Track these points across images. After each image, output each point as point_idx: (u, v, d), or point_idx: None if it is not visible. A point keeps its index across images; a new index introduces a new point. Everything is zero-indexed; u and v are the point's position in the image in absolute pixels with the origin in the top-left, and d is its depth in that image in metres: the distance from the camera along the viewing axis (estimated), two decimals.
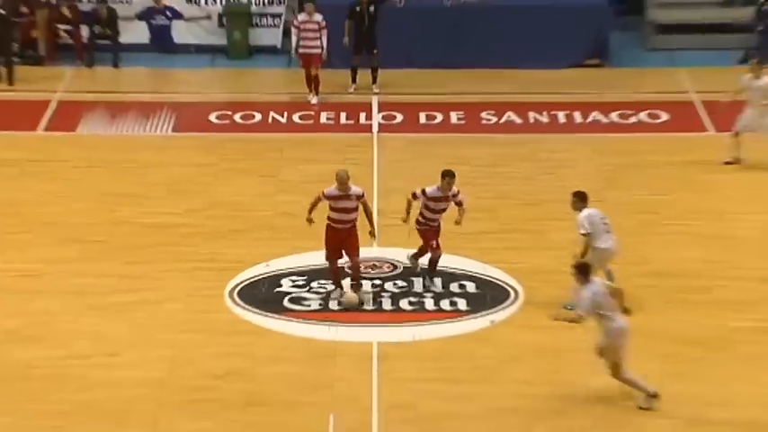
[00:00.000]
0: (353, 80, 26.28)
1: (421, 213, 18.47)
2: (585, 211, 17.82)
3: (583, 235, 17.67)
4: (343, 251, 18.24)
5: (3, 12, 26.81)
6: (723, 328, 17.71)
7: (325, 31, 25.49)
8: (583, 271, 15.70)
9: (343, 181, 18.10)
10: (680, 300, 18.45)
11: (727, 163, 22.77)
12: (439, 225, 18.54)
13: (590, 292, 15.49)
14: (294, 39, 26.17)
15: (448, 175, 18.31)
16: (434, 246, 18.44)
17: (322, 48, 25.51)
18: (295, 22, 26.26)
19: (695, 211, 21.38)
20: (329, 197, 18.12)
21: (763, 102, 22.48)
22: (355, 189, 18.21)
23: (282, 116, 25.41)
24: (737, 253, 19.85)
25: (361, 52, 26.25)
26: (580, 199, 17.99)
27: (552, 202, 21.18)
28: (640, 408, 15.55)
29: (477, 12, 28.03)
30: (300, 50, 25.70)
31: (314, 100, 25.59)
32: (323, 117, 25.45)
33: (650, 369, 16.66)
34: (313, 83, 25.65)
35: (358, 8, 26.18)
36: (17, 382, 16.25)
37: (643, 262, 19.17)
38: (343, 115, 25.52)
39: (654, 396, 15.62)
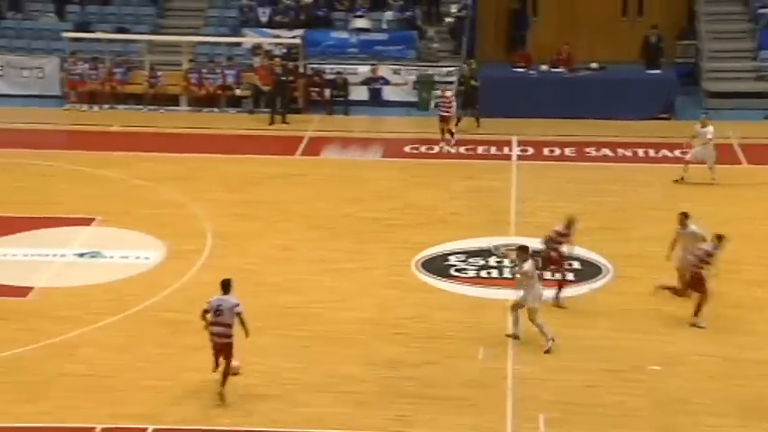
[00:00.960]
0: (457, 122, 25.68)
1: (699, 263, 15.87)
2: (694, 225, 16.79)
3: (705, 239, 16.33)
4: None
5: (284, 78, 27.22)
6: (750, 297, 17.05)
7: (454, 103, 25.14)
8: (525, 250, 15.39)
9: (571, 222, 16.71)
10: (721, 278, 17.77)
11: (676, 181, 22.25)
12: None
13: (532, 265, 15.26)
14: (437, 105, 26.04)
15: (721, 238, 15.93)
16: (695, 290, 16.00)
17: (452, 111, 25.06)
18: (437, 95, 26.19)
19: (730, 218, 20.52)
20: (559, 233, 16.66)
21: (704, 143, 22.18)
22: (574, 228, 16.72)
23: (453, 148, 25.26)
24: (756, 246, 19.01)
25: (466, 108, 26.05)
26: (686, 217, 16.94)
27: (634, 209, 20.72)
28: (545, 352, 15.07)
29: (586, 80, 27.46)
30: (440, 114, 25.31)
31: (445, 146, 24.86)
32: (479, 149, 25.22)
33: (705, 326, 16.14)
34: (447, 133, 25.04)
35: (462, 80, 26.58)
36: (279, 317, 16.50)
37: None
38: (492, 148, 25.24)
39: (551, 344, 15.12)
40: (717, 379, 14.52)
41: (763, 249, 18.93)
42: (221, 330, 13.87)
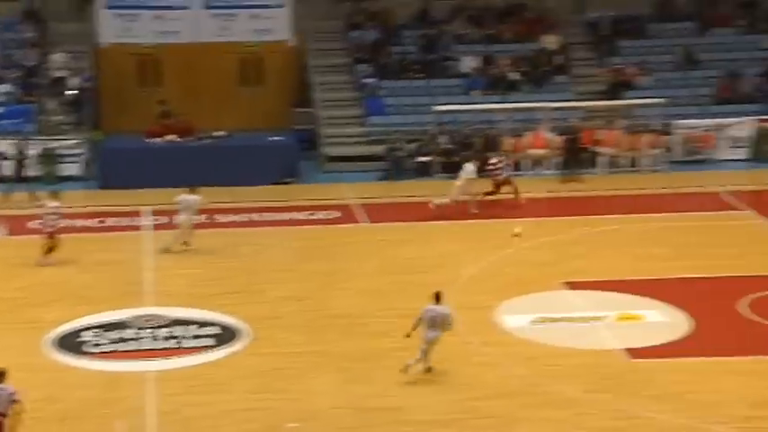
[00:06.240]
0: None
1: None
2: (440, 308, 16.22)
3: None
4: None
5: None
6: (375, 348, 17.57)
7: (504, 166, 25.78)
8: None
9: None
10: (347, 332, 18.43)
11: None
12: None
13: None
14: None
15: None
16: None
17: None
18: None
19: (352, 274, 21.40)
20: None
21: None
22: None
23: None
24: (378, 300, 19.85)
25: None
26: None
27: (266, 271, 21.15)
28: None
29: (211, 147, 27.99)
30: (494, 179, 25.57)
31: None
32: (109, 221, 24.53)
33: (326, 380, 16.65)
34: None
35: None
36: None
37: (324, 308, 19.31)
38: (124, 220, 24.66)
39: None
40: (350, 429, 15.06)
41: (384, 302, 19.79)
42: None
